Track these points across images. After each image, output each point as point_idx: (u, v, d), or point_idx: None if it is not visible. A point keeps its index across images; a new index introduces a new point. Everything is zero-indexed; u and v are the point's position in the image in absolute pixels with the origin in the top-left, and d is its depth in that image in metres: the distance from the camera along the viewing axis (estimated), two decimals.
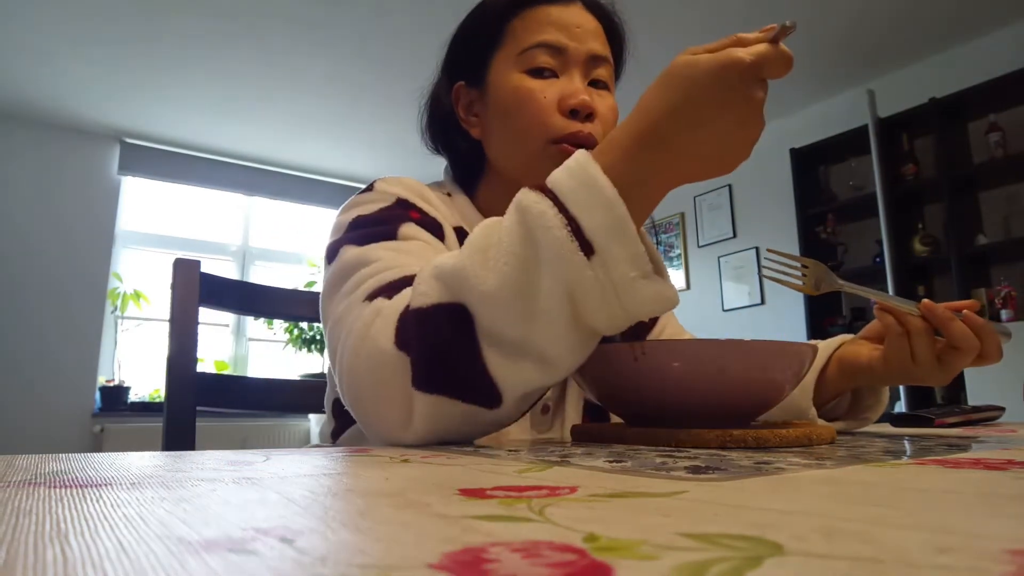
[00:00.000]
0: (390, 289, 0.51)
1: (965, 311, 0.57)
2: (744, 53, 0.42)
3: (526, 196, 0.44)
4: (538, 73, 0.66)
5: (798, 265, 0.61)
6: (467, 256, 0.44)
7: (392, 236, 0.59)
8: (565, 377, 0.49)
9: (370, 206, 0.64)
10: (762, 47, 0.42)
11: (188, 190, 4.07)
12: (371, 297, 0.51)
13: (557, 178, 0.44)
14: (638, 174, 0.43)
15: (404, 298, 0.48)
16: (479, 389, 0.44)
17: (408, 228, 0.61)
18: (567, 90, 0.65)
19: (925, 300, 0.58)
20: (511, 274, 0.42)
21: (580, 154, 0.44)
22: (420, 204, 0.66)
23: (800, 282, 0.61)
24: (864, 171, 3.19)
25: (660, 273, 0.44)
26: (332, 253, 0.60)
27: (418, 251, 0.58)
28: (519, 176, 0.66)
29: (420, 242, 0.60)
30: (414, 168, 3.96)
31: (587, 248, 0.41)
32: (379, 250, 0.57)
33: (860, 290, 0.59)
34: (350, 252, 0.57)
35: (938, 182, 2.82)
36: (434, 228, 0.64)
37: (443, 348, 0.44)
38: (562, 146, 0.64)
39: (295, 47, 2.93)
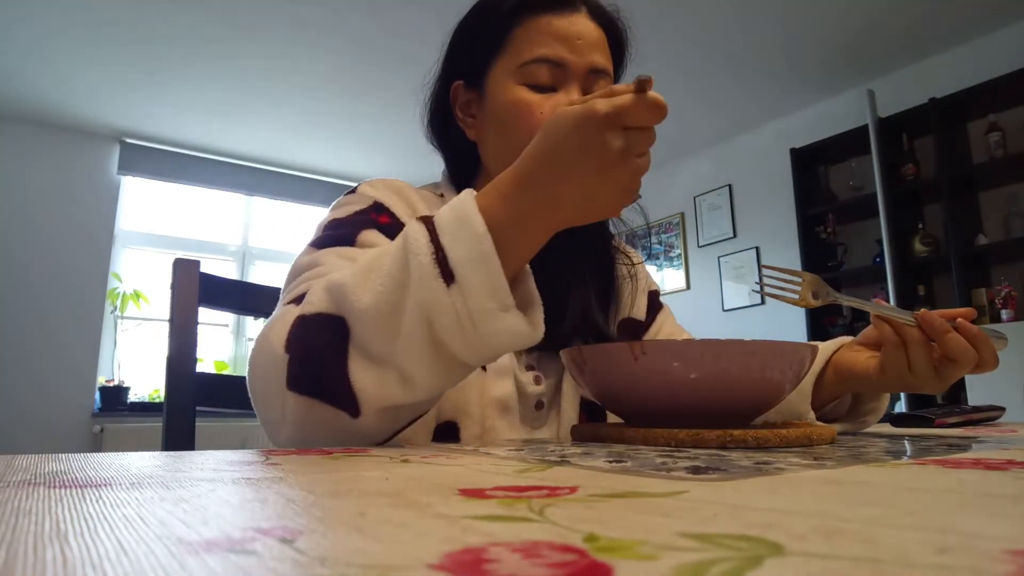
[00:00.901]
0: (302, 297, 0.53)
1: (959, 320, 0.57)
2: (601, 104, 0.44)
3: (411, 225, 0.47)
4: (536, 87, 0.66)
5: (793, 278, 0.61)
6: (353, 273, 0.48)
7: (349, 242, 0.62)
8: (429, 400, 0.50)
9: (348, 208, 0.66)
10: (622, 98, 0.44)
11: (188, 190, 4.07)
12: (290, 301, 0.54)
13: (442, 211, 0.47)
14: (514, 216, 0.46)
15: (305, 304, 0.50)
16: (341, 395, 0.46)
17: (368, 235, 0.62)
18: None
19: (922, 310, 0.58)
20: (384, 294, 0.45)
21: (466, 192, 0.48)
22: (397, 209, 0.67)
23: (796, 295, 0.60)
24: (864, 171, 3.19)
25: (527, 312, 0.47)
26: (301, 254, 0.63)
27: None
28: None
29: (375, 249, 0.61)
30: (413, 168, 3.96)
31: (448, 276, 0.44)
32: (329, 255, 0.59)
33: (856, 302, 0.59)
34: (306, 256, 0.61)
35: (938, 182, 2.82)
36: None
37: (314, 353, 0.47)
38: None
39: (295, 48, 2.93)
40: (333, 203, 0.69)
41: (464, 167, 0.76)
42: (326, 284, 0.49)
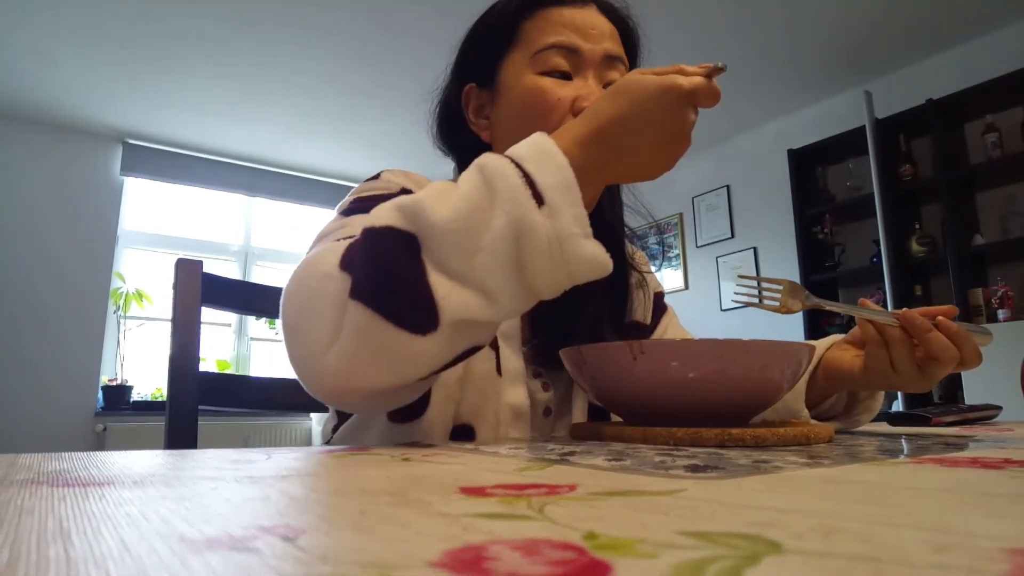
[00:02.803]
0: (348, 237, 0.51)
1: (940, 318, 0.57)
2: (684, 80, 0.48)
3: (485, 156, 0.47)
4: (552, 75, 0.65)
5: (772, 286, 0.61)
6: (426, 193, 0.46)
7: None
8: (498, 325, 0.50)
9: (373, 191, 0.65)
10: (698, 79, 0.49)
11: (190, 190, 4.07)
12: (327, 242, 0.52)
13: (515, 148, 0.47)
14: (585, 162, 0.48)
15: (358, 235, 0.48)
16: (417, 307, 0.43)
17: None
18: (582, 91, 0.64)
19: (904, 309, 0.58)
20: (464, 210, 0.44)
21: (537, 133, 0.49)
22: None
23: (776, 303, 0.60)
24: (862, 172, 3.19)
25: None
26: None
27: None
28: None
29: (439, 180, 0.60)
30: (413, 168, 3.93)
31: (539, 199, 0.44)
32: (361, 216, 0.56)
33: (837, 306, 0.59)
34: (334, 222, 0.59)
35: (935, 183, 2.82)
36: None
37: (388, 264, 0.44)
38: None
39: (296, 48, 2.93)
40: (354, 188, 0.67)
41: None
42: (395, 203, 0.47)
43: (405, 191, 0.65)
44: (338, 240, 0.51)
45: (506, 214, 0.43)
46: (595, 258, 0.44)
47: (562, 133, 0.50)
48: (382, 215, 0.46)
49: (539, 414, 0.68)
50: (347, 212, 0.61)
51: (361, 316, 0.44)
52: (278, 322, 0.50)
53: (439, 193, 0.46)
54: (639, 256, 0.83)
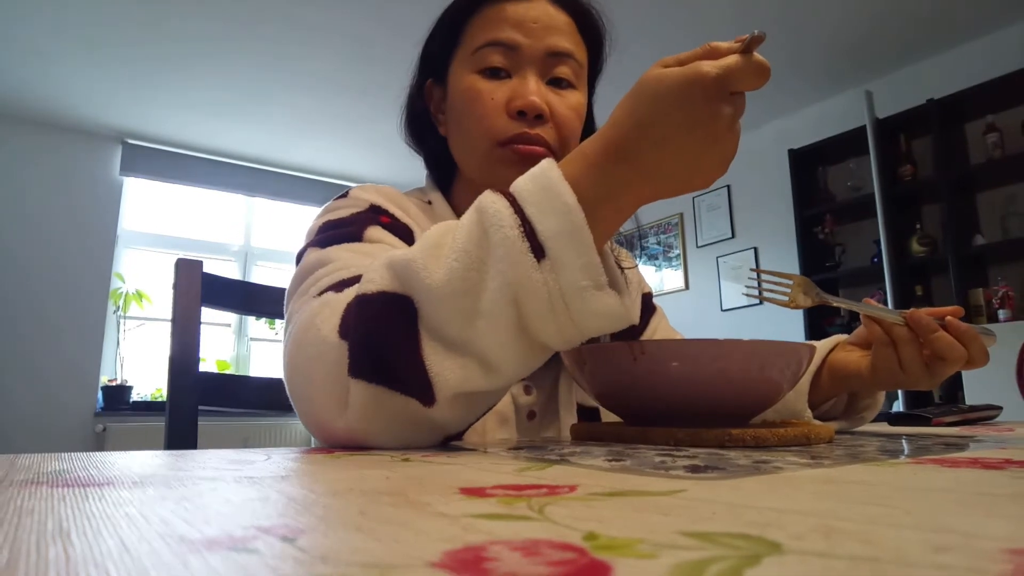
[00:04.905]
0: (342, 285, 0.49)
1: (948, 318, 0.57)
2: (710, 67, 0.40)
3: (486, 196, 0.43)
4: (491, 73, 0.64)
5: (784, 280, 0.61)
6: (419, 249, 0.43)
7: (357, 238, 0.59)
8: (507, 388, 0.47)
9: (342, 211, 0.64)
10: (730, 59, 0.41)
11: (190, 191, 4.07)
12: (321, 293, 0.50)
13: (519, 182, 0.43)
14: (604, 188, 0.42)
15: (354, 291, 0.46)
16: (413, 382, 0.42)
17: (374, 231, 0.60)
18: (516, 91, 0.63)
19: (911, 309, 0.58)
20: (458, 270, 0.41)
21: (545, 161, 0.44)
22: (393, 210, 0.66)
23: (786, 297, 0.60)
24: (862, 172, 3.19)
25: (618, 290, 0.43)
26: (298, 258, 0.60)
27: (381, 253, 0.56)
28: (477, 177, 0.66)
29: (385, 245, 0.59)
30: (412, 168, 3.94)
31: (538, 251, 0.40)
32: (340, 251, 0.56)
33: (845, 303, 0.59)
34: (312, 255, 0.57)
35: (936, 183, 2.82)
36: (404, 234, 0.63)
37: (381, 335, 0.42)
38: (513, 147, 0.62)
39: (296, 48, 2.93)
40: (322, 209, 0.66)
41: (441, 167, 0.74)
42: (387, 262, 0.44)
43: (375, 207, 0.64)
44: (329, 290, 0.49)
45: (501, 274, 0.40)
46: (609, 312, 0.41)
47: (577, 156, 0.44)
48: (374, 277, 0.44)
49: (523, 419, 0.67)
50: (321, 243, 0.58)
51: (364, 393, 0.42)
52: (285, 383, 0.49)
53: (433, 245, 0.43)
54: (620, 252, 0.83)
